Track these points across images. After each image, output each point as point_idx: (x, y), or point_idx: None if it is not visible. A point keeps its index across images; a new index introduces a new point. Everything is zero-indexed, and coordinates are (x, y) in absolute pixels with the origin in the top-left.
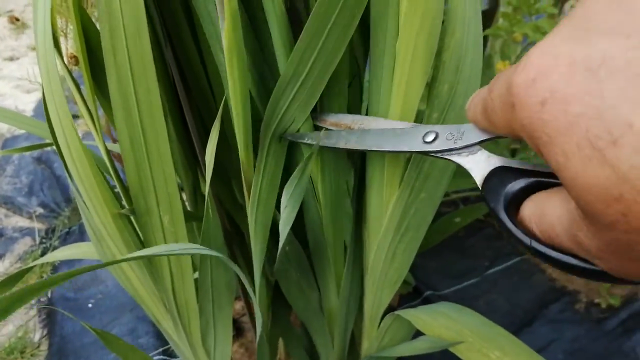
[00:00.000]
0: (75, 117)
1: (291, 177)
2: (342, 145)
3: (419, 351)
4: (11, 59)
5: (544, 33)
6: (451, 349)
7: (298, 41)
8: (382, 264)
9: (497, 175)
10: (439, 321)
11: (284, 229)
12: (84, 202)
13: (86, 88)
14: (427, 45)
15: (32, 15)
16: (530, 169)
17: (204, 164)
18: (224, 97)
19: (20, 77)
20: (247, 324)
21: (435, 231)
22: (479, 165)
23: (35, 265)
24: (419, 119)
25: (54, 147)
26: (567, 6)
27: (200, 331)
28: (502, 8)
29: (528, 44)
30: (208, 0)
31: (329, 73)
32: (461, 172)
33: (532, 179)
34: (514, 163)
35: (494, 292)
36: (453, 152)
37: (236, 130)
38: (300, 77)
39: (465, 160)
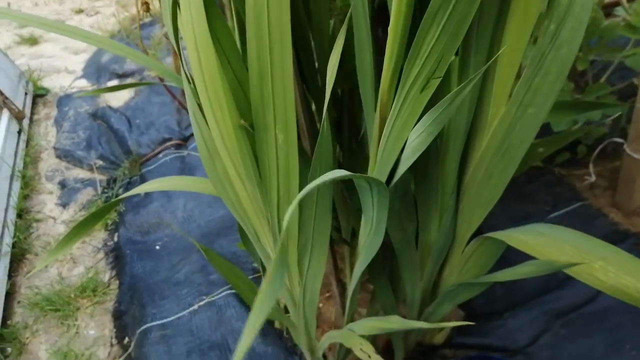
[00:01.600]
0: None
1: (442, 100)
2: None
3: (525, 275)
4: None
5: None
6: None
7: None
8: (477, 184)
9: None
10: (535, 238)
11: (411, 156)
12: (204, 116)
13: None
14: None
15: None
16: None
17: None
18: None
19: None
20: None
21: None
22: None
23: (121, 199)
24: None
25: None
26: None
27: (297, 251)
28: None
29: None
30: None
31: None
32: None
33: None
34: None
35: None
36: None
37: (385, 64)
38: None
39: None
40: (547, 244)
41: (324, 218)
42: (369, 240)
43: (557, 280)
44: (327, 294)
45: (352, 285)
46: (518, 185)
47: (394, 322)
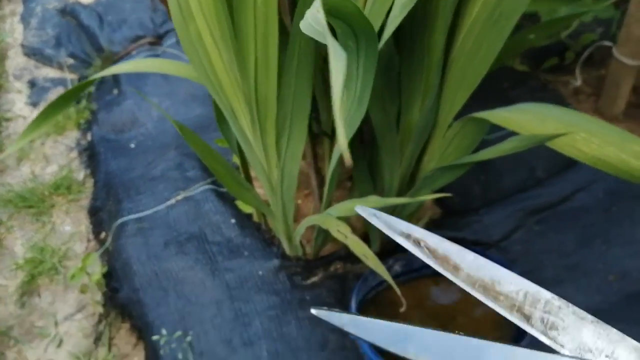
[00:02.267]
0: None
1: None
2: None
3: (507, 152)
4: None
5: None
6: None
7: None
8: (465, 57)
9: None
10: (520, 115)
11: (399, 15)
12: None
13: None
14: None
15: None
16: None
17: None
18: None
19: None
20: None
21: (508, 47)
22: None
23: (93, 80)
24: None
25: None
26: None
27: (275, 129)
28: None
29: None
30: None
31: None
32: None
33: None
34: None
35: None
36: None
37: None
38: None
39: None
40: (532, 120)
41: (304, 91)
42: (350, 114)
43: (535, 179)
44: (306, 192)
45: (331, 166)
46: (502, 90)
47: (372, 202)
